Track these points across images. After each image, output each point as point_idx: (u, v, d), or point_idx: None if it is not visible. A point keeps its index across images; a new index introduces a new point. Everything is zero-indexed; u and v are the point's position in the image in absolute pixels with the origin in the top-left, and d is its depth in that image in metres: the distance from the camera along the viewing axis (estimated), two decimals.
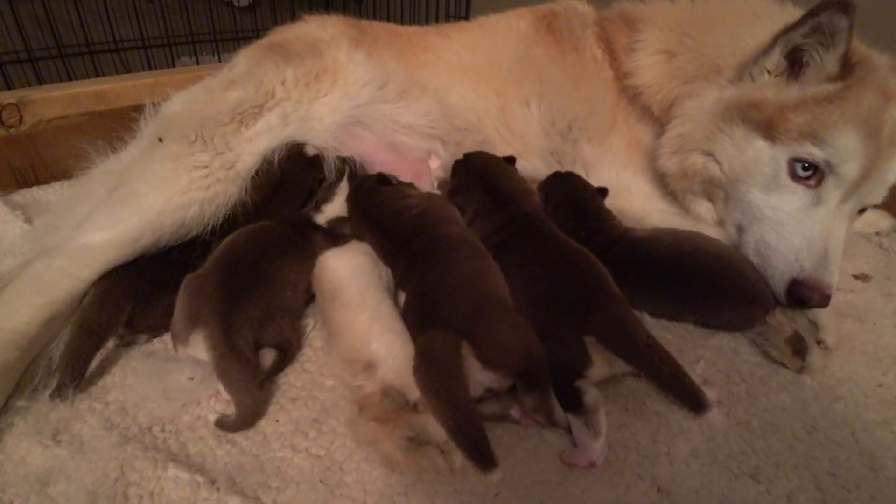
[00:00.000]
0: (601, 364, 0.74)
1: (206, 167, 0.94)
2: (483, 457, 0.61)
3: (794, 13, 1.11)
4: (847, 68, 0.97)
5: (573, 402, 0.72)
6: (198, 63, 2.27)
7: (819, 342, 0.90)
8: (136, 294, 0.88)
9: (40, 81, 2.00)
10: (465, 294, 0.77)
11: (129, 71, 2.19)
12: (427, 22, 2.68)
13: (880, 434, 0.80)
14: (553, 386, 0.71)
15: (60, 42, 2.06)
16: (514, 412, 0.73)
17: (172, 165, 0.94)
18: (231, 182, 0.96)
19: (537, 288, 0.82)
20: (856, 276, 1.19)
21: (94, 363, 0.82)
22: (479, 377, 0.68)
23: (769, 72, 1.04)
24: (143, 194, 0.91)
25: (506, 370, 0.69)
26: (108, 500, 0.66)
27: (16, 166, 1.36)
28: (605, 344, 0.74)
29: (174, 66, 2.29)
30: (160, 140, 0.99)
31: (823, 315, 0.93)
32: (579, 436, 0.71)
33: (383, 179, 1.00)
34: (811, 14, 0.96)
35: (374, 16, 2.81)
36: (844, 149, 0.94)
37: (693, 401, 0.75)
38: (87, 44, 2.13)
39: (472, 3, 2.69)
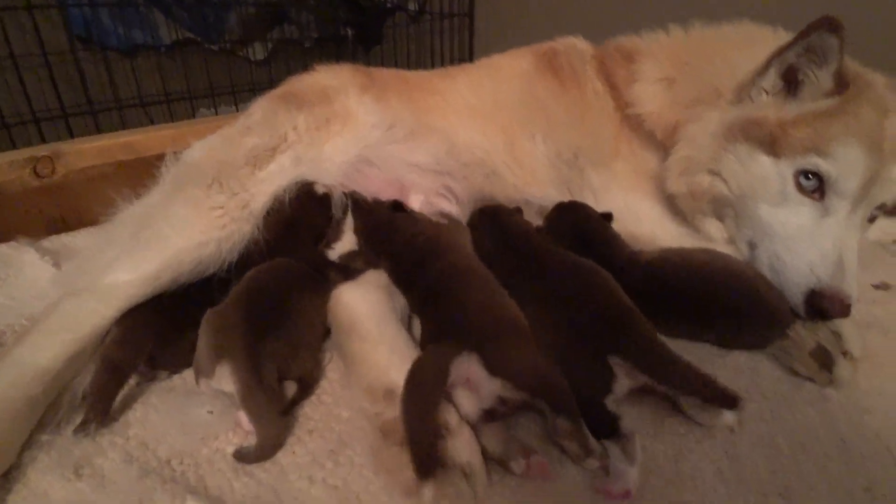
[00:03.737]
0: (623, 377, 0.73)
1: (221, 207, 0.99)
2: (423, 463, 0.63)
3: (786, 37, 1.14)
4: (842, 84, 1.00)
5: (609, 428, 0.71)
6: (216, 114, 2.39)
7: (844, 353, 0.88)
8: (157, 332, 0.90)
9: (72, 136, 2.12)
10: (482, 318, 0.78)
11: (153, 124, 2.31)
12: (433, 66, 2.80)
13: None
14: (586, 412, 0.70)
15: (91, 99, 2.20)
16: (516, 466, 0.70)
17: (192, 208, 0.99)
18: (245, 221, 1.00)
19: (555, 311, 0.82)
20: (876, 286, 1.16)
21: (117, 399, 0.84)
22: (488, 385, 0.69)
23: (767, 91, 1.07)
24: (165, 236, 0.95)
25: (513, 379, 0.69)
26: None
27: (47, 214, 1.43)
28: (634, 364, 0.73)
29: (195, 118, 2.41)
30: None
31: (846, 325, 0.91)
32: (614, 463, 0.69)
33: (398, 206, 1.02)
34: (802, 35, 1.00)
35: (383, 63, 2.95)
36: (848, 159, 0.96)
37: (726, 399, 0.72)
38: (116, 100, 2.27)
39: (475, 47, 2.82)
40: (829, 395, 0.85)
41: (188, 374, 0.91)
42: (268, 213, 1.03)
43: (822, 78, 1.01)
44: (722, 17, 1.28)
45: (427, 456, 0.63)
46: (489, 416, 0.71)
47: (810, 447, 0.76)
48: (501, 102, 1.33)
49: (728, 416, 0.73)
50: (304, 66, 1.43)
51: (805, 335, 0.90)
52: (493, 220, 1.06)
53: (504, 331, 0.75)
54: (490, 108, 1.32)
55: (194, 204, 0.99)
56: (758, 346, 0.94)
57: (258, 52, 2.76)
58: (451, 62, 2.78)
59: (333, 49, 2.86)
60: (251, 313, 0.84)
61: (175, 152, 1.23)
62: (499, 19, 2.72)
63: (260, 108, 1.29)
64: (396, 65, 2.90)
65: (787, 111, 1.03)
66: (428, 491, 0.62)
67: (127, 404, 0.86)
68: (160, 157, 1.23)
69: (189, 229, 0.96)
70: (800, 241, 0.98)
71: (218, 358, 0.79)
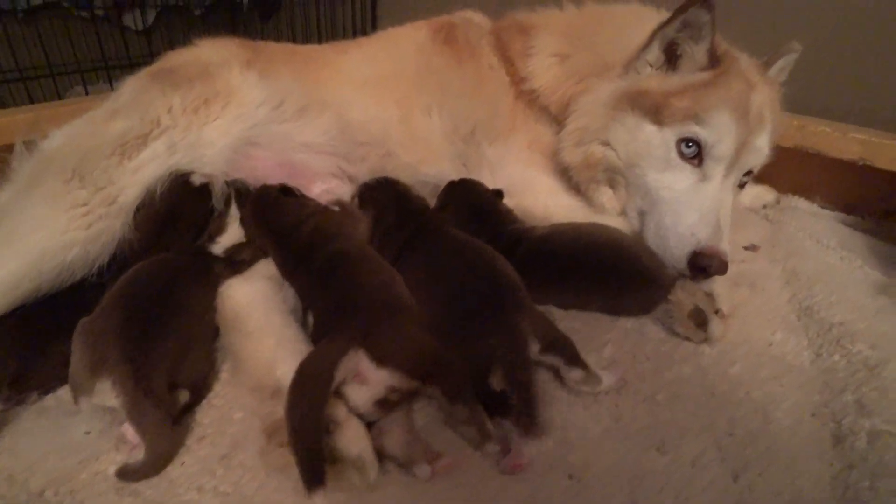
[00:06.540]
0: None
1: (85, 205, 0.89)
2: (311, 477, 0.61)
3: None
4: (714, 59, 1.09)
5: (500, 405, 0.71)
6: (87, 94, 2.12)
7: (717, 311, 0.96)
8: (21, 349, 0.81)
9: None
10: (370, 303, 0.76)
11: (4, 107, 2.01)
12: (335, 38, 2.67)
13: (771, 388, 0.85)
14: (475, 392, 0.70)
15: None
16: (420, 471, 0.69)
17: (49, 205, 0.88)
18: (114, 217, 0.91)
19: (439, 291, 0.83)
20: (746, 248, 1.28)
21: None
22: (375, 376, 0.68)
23: (651, 65, 1.13)
24: (19, 238, 0.85)
25: (401, 367, 0.68)
26: None
27: None
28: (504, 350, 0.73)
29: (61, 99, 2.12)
30: None
31: (718, 285, 1.00)
32: (512, 437, 0.70)
33: (287, 190, 0.97)
34: (679, 10, 1.06)
35: (281, 35, 2.76)
36: (721, 126, 1.04)
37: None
38: None
39: (378, 17, 2.71)
40: (703, 350, 0.94)
41: (62, 392, 0.83)
42: (138, 208, 0.93)
43: (698, 53, 1.09)
44: None
45: (314, 466, 0.61)
46: (382, 406, 0.70)
47: (685, 400, 0.83)
48: (397, 76, 1.29)
49: (608, 381, 0.78)
50: (191, 38, 1.30)
51: (684, 298, 0.97)
52: (387, 192, 1.05)
53: (391, 315, 0.74)
54: (386, 81, 1.28)
55: (52, 200, 0.89)
56: (643, 312, 1.00)
57: (138, 20, 2.48)
58: (354, 34, 2.65)
59: (227, 18, 2.63)
60: (130, 318, 0.77)
61: (27, 142, 1.08)
62: None
63: (130, 87, 1.16)
64: (295, 38, 2.72)
65: (669, 83, 1.10)
66: (319, 500, 0.60)
67: None
68: (9, 149, 1.08)
69: (47, 230, 0.86)
70: (682, 204, 1.06)
71: (96, 372, 0.72)
